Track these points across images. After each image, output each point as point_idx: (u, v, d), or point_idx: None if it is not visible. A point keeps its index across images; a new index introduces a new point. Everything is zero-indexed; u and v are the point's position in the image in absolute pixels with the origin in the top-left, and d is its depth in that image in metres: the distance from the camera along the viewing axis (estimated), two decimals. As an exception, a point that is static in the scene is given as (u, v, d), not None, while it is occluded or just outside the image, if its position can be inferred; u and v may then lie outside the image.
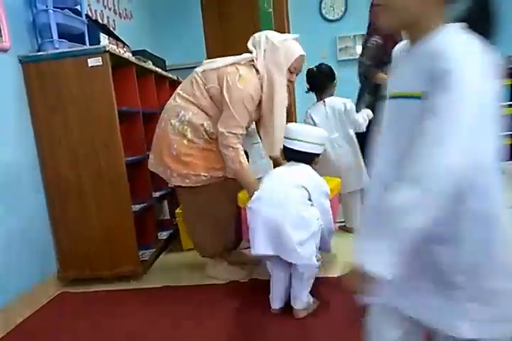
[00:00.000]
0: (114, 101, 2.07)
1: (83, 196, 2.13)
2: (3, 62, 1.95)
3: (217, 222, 2.07)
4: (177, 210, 2.61)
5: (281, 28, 4.51)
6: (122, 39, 2.82)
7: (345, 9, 4.54)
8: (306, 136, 1.80)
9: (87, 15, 2.40)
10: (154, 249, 2.47)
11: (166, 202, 2.87)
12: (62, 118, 2.07)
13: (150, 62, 2.86)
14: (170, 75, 3.18)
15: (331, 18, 4.57)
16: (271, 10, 4.57)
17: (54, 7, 2.03)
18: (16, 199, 1.98)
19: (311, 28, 4.56)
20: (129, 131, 2.40)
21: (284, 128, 1.91)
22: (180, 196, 2.15)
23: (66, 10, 2.10)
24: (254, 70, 1.94)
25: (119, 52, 2.24)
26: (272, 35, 1.99)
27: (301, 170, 1.79)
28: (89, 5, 2.83)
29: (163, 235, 2.73)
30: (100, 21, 2.89)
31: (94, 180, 2.11)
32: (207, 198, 2.03)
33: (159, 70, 2.86)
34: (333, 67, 2.84)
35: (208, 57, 4.57)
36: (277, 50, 1.93)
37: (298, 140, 1.79)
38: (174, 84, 3.34)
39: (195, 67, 2.12)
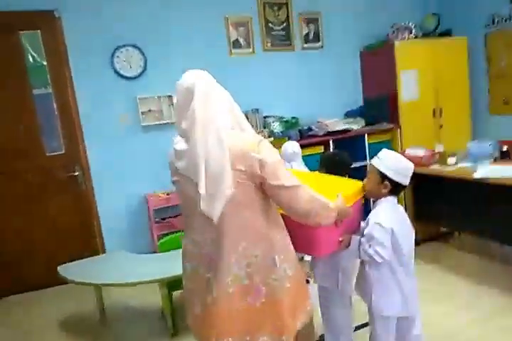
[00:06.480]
0: None
1: None
2: None
3: None
4: None
5: (63, 84, 3.47)
6: None
7: (145, 64, 3.72)
8: None
9: None
10: None
11: None
12: None
13: None
14: None
15: (127, 74, 3.69)
16: (44, 63, 3.44)
17: None
18: None
19: (102, 84, 3.61)
20: None
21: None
22: None
23: None
24: None
25: None
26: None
27: None
28: None
29: None
30: None
31: None
32: None
33: None
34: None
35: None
36: None
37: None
38: None
39: None
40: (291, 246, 1.54)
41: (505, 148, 3.09)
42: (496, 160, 3.12)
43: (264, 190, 1.42)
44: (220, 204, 1.36)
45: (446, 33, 4.43)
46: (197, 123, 1.36)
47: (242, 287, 1.43)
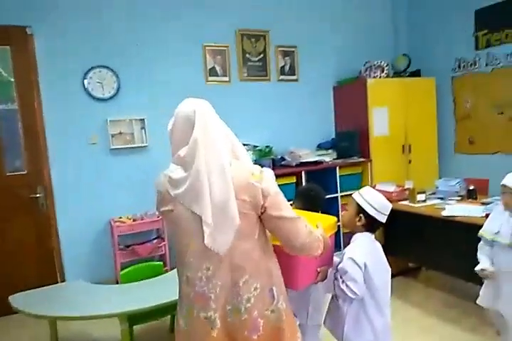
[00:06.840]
0: None
1: None
2: None
3: None
4: None
5: (30, 102, 3.34)
6: None
7: (118, 87, 3.65)
8: None
9: None
10: None
11: None
12: None
13: None
14: None
15: (99, 95, 3.60)
16: (12, 79, 3.32)
17: None
18: None
19: (72, 104, 3.49)
20: None
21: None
22: None
23: None
24: None
25: None
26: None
27: None
28: None
29: None
30: None
31: None
32: None
33: None
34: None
35: None
36: None
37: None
38: None
39: None
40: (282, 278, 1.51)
41: (471, 187, 3.17)
42: (462, 198, 3.19)
43: (262, 221, 1.39)
44: (229, 236, 1.30)
45: (416, 74, 4.61)
46: (199, 151, 1.31)
47: (240, 321, 1.37)
